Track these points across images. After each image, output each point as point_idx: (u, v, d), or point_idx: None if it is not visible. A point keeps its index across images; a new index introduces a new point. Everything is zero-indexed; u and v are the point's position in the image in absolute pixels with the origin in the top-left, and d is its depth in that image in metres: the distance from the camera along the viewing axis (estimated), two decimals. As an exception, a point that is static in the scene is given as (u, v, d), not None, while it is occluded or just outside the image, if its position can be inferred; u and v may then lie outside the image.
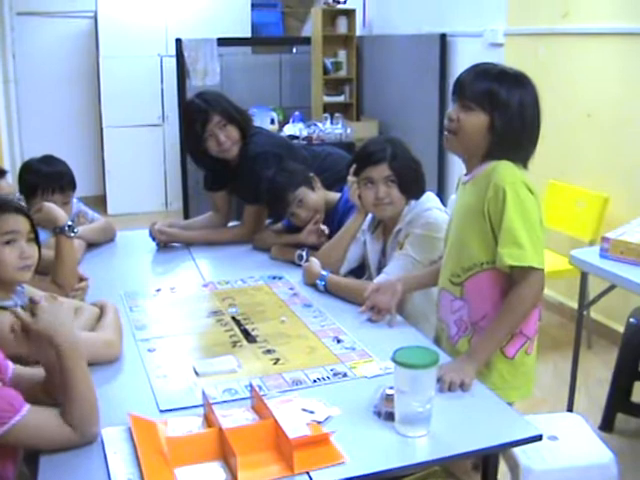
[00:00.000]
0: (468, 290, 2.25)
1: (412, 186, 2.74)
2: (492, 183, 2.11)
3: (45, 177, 3.03)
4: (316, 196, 3.18)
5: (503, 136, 2.12)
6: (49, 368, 1.80)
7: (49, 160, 3.15)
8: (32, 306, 1.75)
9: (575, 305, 3.83)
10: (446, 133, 2.21)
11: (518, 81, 2.16)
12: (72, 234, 2.65)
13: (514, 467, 2.28)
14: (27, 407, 1.63)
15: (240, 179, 3.41)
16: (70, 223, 2.66)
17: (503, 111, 2.10)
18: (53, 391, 1.81)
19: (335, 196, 3.24)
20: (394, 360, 1.76)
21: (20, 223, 2.12)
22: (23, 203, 2.71)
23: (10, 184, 2.68)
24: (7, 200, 2.20)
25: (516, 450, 2.27)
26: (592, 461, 2.33)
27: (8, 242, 2.09)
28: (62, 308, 1.79)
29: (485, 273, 2.19)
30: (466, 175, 2.28)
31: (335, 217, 3.18)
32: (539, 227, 2.12)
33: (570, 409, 3.46)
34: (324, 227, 3.14)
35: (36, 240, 2.18)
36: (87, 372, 1.77)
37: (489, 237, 2.14)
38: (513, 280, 2.12)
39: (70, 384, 1.72)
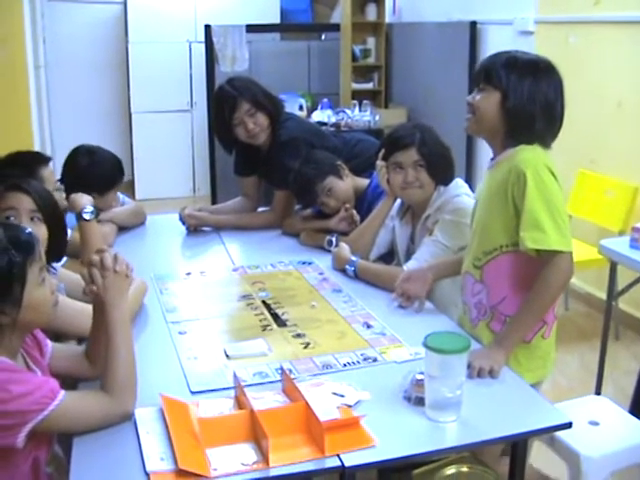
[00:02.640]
0: (487, 273, 2.25)
1: (441, 171, 2.73)
2: (514, 167, 2.12)
3: (119, 169, 3.23)
4: (344, 184, 3.18)
5: (516, 116, 2.13)
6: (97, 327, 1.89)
7: (100, 151, 3.26)
8: (102, 268, 1.83)
9: (603, 295, 3.81)
10: (467, 117, 2.27)
11: (534, 65, 2.16)
12: (87, 218, 2.72)
13: (570, 457, 2.26)
14: (63, 393, 1.65)
15: (270, 165, 3.41)
16: (88, 209, 2.72)
17: (513, 89, 2.12)
18: (96, 358, 1.88)
19: (364, 182, 3.24)
20: (425, 345, 1.77)
21: (21, 201, 2.17)
22: (63, 193, 2.77)
23: (52, 171, 2.74)
24: (7, 179, 2.25)
25: (566, 440, 2.26)
26: None
27: (8, 218, 2.14)
28: (124, 277, 1.86)
29: (505, 256, 2.20)
30: (492, 160, 2.28)
31: (364, 203, 3.18)
32: (563, 210, 2.11)
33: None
34: (356, 214, 3.13)
35: (51, 221, 2.20)
36: (131, 343, 1.84)
37: (511, 220, 2.14)
38: (541, 264, 2.11)
39: (112, 349, 1.78)
